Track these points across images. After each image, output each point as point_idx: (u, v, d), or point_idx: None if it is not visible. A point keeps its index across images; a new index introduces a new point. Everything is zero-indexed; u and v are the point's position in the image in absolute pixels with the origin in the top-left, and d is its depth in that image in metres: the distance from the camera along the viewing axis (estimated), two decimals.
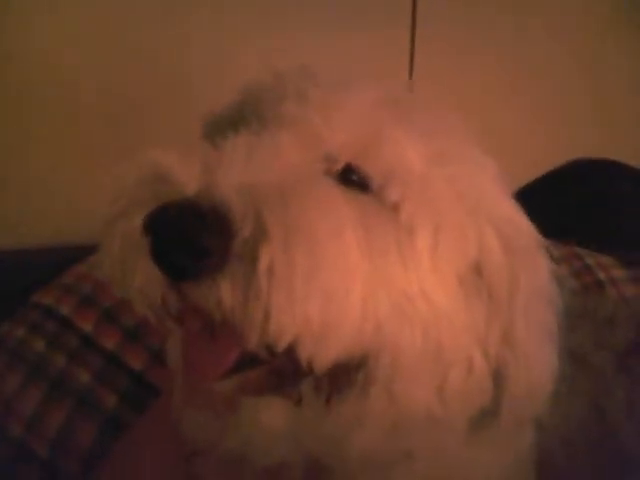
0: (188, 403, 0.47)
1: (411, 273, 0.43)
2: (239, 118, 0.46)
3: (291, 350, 0.39)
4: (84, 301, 0.80)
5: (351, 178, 0.44)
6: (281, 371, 0.43)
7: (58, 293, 0.82)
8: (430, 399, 0.46)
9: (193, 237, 0.36)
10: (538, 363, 0.49)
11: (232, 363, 0.41)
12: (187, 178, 0.38)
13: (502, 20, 1.26)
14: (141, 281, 0.40)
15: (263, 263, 0.36)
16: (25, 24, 0.97)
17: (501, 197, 0.49)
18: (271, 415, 0.48)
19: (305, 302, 0.37)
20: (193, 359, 0.42)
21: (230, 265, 0.37)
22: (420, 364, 0.44)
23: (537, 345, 0.48)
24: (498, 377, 0.48)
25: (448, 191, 0.45)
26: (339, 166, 0.44)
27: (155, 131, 1.00)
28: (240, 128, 0.44)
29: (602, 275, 0.87)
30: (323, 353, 0.40)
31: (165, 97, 1.04)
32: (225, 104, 0.50)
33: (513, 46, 1.27)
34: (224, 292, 0.37)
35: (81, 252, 0.89)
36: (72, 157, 1.03)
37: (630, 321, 0.75)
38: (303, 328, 0.38)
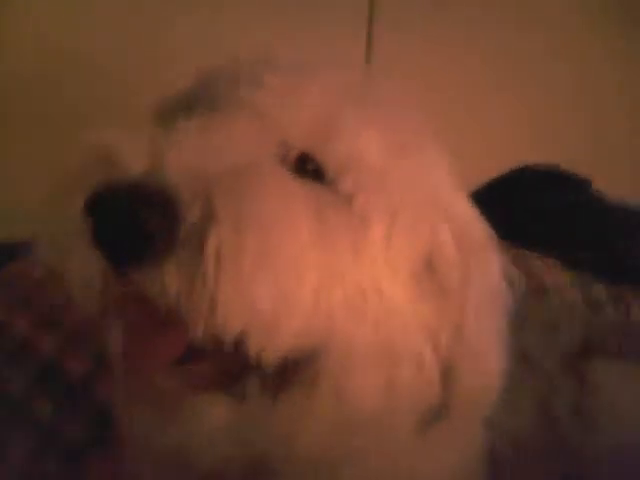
0: (128, 397, 0.44)
1: (364, 266, 0.42)
2: (192, 103, 0.45)
3: (239, 343, 0.37)
4: (19, 303, 0.76)
5: (306, 167, 0.43)
6: (227, 366, 0.42)
7: None
8: (379, 395, 0.45)
9: (137, 220, 0.34)
10: (487, 361, 0.48)
11: (177, 355, 0.39)
12: (133, 159, 0.36)
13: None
14: (81, 267, 0.37)
15: (210, 247, 0.35)
16: None
17: (456, 193, 0.48)
18: (213, 412, 0.46)
19: (254, 290, 0.36)
20: (134, 350, 0.40)
21: (176, 250, 0.35)
22: (370, 359, 0.43)
23: (487, 343, 0.48)
24: (448, 374, 0.47)
25: (403, 184, 0.45)
26: (294, 154, 0.43)
27: None
28: (192, 112, 0.42)
29: (547, 278, 0.88)
30: (272, 346, 0.38)
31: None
32: (176, 90, 0.48)
33: (484, 31, 1.20)
34: (169, 278, 0.35)
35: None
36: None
37: (574, 325, 0.77)
38: (251, 318, 0.36)
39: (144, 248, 0.35)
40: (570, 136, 1.26)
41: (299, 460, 0.47)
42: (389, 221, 0.43)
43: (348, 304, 0.41)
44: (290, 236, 0.37)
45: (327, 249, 0.40)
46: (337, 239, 0.41)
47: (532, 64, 1.23)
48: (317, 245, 0.39)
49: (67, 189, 0.38)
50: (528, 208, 1.08)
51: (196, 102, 0.45)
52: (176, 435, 0.47)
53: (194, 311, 0.36)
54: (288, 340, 0.39)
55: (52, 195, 0.39)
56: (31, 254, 0.79)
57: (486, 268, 0.48)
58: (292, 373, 0.43)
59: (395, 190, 0.44)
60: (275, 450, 0.47)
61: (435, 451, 0.52)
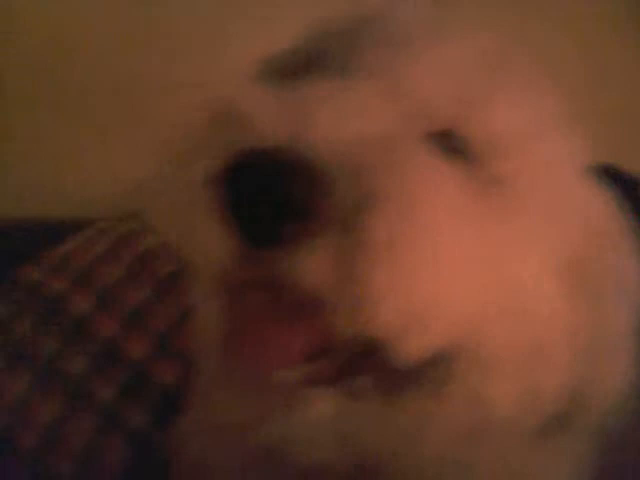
0: (234, 391, 0.40)
1: (515, 260, 0.37)
2: (309, 64, 0.39)
3: (378, 339, 0.33)
4: (78, 279, 0.72)
5: (446, 144, 0.38)
6: (349, 361, 0.37)
7: (47, 270, 0.73)
8: (516, 402, 0.40)
9: (283, 194, 0.29)
10: (619, 366, 0.44)
11: (308, 352, 0.35)
12: (270, 122, 0.31)
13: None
14: (205, 242, 0.33)
15: (369, 233, 0.30)
16: None
17: (591, 180, 0.43)
18: (321, 407, 0.42)
19: (413, 282, 0.31)
20: (254, 342, 0.35)
21: (325, 231, 0.30)
22: (513, 361, 0.38)
23: (624, 344, 0.43)
24: (583, 378, 0.43)
25: (549, 166, 0.39)
26: (434, 129, 0.38)
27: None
28: (312, 76, 0.37)
29: None
30: (419, 344, 0.33)
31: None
32: (284, 49, 0.43)
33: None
34: (314, 263, 0.31)
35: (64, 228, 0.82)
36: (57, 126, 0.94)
37: None
38: (406, 313, 0.32)
39: (292, 227, 0.30)
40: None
41: (409, 468, 0.43)
42: (541, 210, 0.38)
43: (498, 300, 0.36)
44: (451, 225, 0.32)
45: (481, 240, 0.35)
46: (492, 229, 0.36)
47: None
48: (474, 236, 0.34)
49: (189, 153, 0.33)
50: None
51: (314, 64, 0.39)
52: (278, 427, 0.43)
53: (342, 302, 0.31)
54: (437, 338, 0.34)
55: (169, 159, 0.34)
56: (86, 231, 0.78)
57: (625, 264, 0.43)
58: (414, 371, 0.38)
59: (542, 174, 0.39)
60: (384, 456, 0.43)
61: (550, 461, 0.48)
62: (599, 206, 0.43)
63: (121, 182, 0.91)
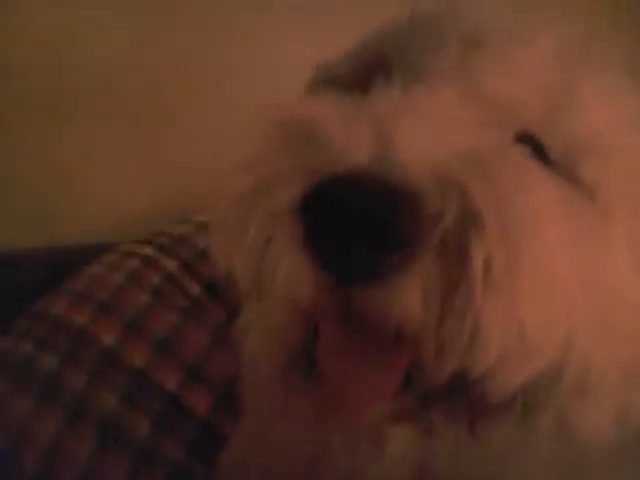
0: (315, 434, 0.37)
1: (610, 269, 0.34)
2: (374, 71, 0.36)
3: (477, 374, 0.29)
4: (103, 310, 0.68)
5: (531, 150, 0.34)
6: (436, 395, 0.34)
7: (70, 301, 0.69)
8: (611, 428, 0.37)
9: (379, 221, 0.26)
10: None
11: (396, 389, 0.32)
12: (350, 141, 0.28)
13: None
14: (287, 280, 0.29)
15: (477, 260, 0.26)
16: None
17: None
18: (394, 445, 0.39)
19: (526, 313, 0.28)
20: (341, 381, 0.32)
21: (423, 262, 0.27)
22: (608, 382, 0.35)
23: None
24: None
25: (635, 167, 0.36)
26: (511, 133, 0.35)
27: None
28: (379, 84, 0.34)
29: None
30: (522, 376, 0.30)
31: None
32: (343, 55, 0.40)
33: None
34: (416, 297, 0.27)
35: (79, 253, 0.78)
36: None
37: None
38: (516, 347, 0.28)
39: (385, 259, 0.27)
40: None
41: None
42: (633, 214, 0.35)
43: (595, 315, 0.33)
44: (559, 244, 0.29)
45: (578, 253, 0.32)
46: (586, 240, 0.33)
47: None
48: (574, 252, 0.31)
49: (263, 178, 0.30)
50: None
51: (380, 69, 0.36)
52: (351, 463, 0.40)
53: (447, 341, 0.28)
54: (540, 366, 0.31)
55: (235, 183, 0.31)
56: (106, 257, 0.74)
57: None
58: (508, 402, 0.35)
59: (628, 175, 0.36)
60: None
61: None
62: None
63: (140, 202, 0.89)
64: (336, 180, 0.27)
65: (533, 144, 0.35)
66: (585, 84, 0.35)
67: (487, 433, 0.37)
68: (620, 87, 0.38)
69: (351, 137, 0.28)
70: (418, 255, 0.27)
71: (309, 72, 0.40)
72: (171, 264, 0.74)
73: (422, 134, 0.29)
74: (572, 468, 0.38)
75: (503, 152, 0.30)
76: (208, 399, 0.66)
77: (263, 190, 0.29)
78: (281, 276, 0.29)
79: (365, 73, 0.36)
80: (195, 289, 0.73)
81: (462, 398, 0.33)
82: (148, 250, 0.75)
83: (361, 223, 0.26)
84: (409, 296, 0.27)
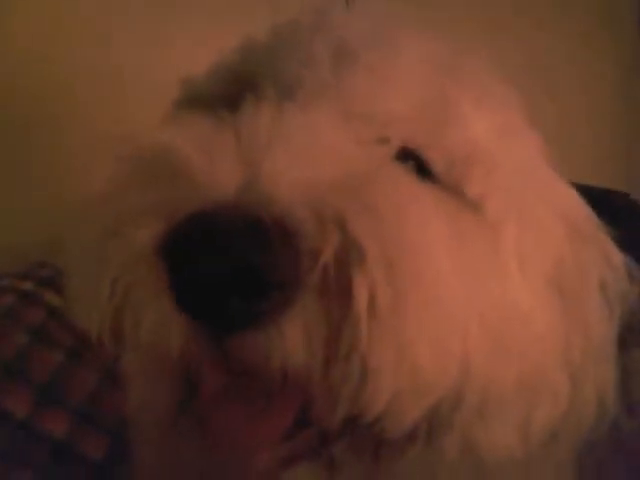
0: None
1: (501, 285, 0.33)
2: (241, 87, 0.33)
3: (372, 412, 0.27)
4: None
5: (410, 166, 0.33)
6: (331, 433, 0.32)
7: None
8: (514, 443, 0.36)
9: (252, 262, 0.23)
10: (601, 378, 0.41)
11: (285, 430, 0.29)
12: (215, 169, 0.25)
13: None
14: (153, 332, 0.26)
15: (361, 296, 0.24)
16: None
17: (558, 180, 0.40)
18: None
19: (417, 349, 0.26)
20: (228, 428, 0.29)
21: (304, 301, 0.25)
22: (508, 399, 0.34)
23: (605, 351, 0.41)
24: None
25: (517, 175, 0.36)
26: (391, 150, 0.33)
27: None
28: (244, 101, 0.31)
29: None
30: (419, 409, 0.29)
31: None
32: (207, 71, 0.37)
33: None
34: (297, 343, 0.25)
35: None
36: None
37: None
38: (408, 384, 0.27)
39: (261, 303, 0.24)
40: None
41: None
42: (519, 225, 0.34)
43: (490, 335, 0.32)
44: (445, 268, 0.28)
45: (467, 273, 0.30)
46: (477, 260, 0.31)
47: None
48: (464, 274, 0.30)
49: (122, 216, 0.26)
50: None
51: (247, 86, 0.33)
52: None
53: (334, 386, 0.25)
54: (437, 396, 0.29)
55: (91, 223, 0.27)
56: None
57: (605, 263, 0.40)
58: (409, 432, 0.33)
59: (512, 184, 0.35)
60: None
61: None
62: (575, 202, 0.40)
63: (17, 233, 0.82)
64: (199, 218, 0.24)
65: (416, 160, 0.33)
66: (463, 94, 0.34)
67: (392, 461, 0.35)
68: (500, 95, 0.37)
69: (215, 167, 0.25)
70: (297, 296, 0.24)
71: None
72: (54, 299, 0.68)
73: (293, 160, 0.26)
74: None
75: (382, 173, 0.28)
76: (103, 444, 0.60)
77: (117, 231, 0.26)
78: (146, 327, 0.26)
79: (232, 89, 0.34)
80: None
81: (361, 433, 0.31)
82: (27, 285, 0.69)
83: (231, 266, 0.23)
84: (290, 341, 0.25)
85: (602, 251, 0.40)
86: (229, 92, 0.34)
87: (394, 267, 0.25)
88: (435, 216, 0.28)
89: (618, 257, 0.40)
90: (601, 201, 0.42)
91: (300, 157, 0.27)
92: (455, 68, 0.35)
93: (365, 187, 0.26)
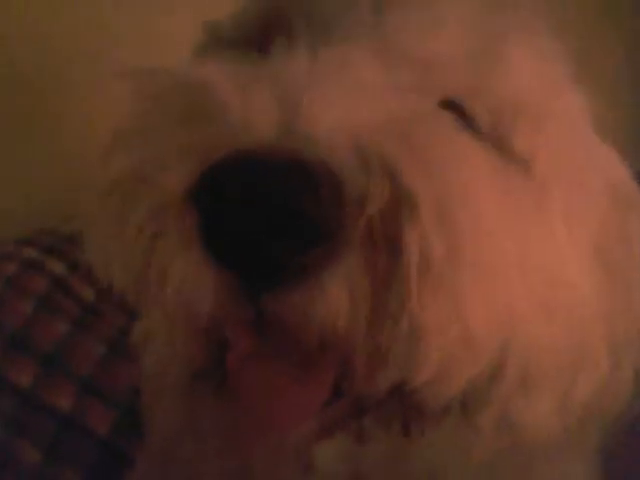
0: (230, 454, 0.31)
1: (548, 247, 0.31)
2: (272, 28, 0.30)
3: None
4: None
5: (456, 116, 0.30)
6: (368, 403, 0.30)
7: None
8: (552, 415, 0.34)
9: (293, 209, 0.21)
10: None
11: (322, 402, 0.27)
12: (252, 110, 0.23)
13: None
14: (181, 285, 0.24)
15: (412, 249, 0.22)
16: None
17: (601, 143, 0.38)
18: (325, 456, 0.34)
19: (470, 311, 0.24)
20: (258, 398, 0.27)
21: (349, 255, 0.22)
22: (550, 373, 0.32)
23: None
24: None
25: (567, 135, 0.33)
26: (434, 99, 0.30)
27: None
28: (276, 43, 0.28)
29: None
30: (460, 380, 0.26)
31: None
32: (232, 14, 0.34)
33: None
34: (340, 301, 0.23)
35: None
36: None
37: None
38: (458, 350, 0.24)
39: (301, 256, 0.22)
40: None
41: None
42: (568, 185, 0.32)
43: (535, 299, 0.30)
44: (498, 225, 0.25)
45: (519, 236, 0.28)
46: (524, 220, 0.29)
47: None
48: (510, 230, 0.27)
49: (140, 157, 0.24)
50: None
51: (282, 25, 0.31)
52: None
53: (382, 347, 0.23)
54: (482, 366, 0.27)
55: (109, 165, 0.25)
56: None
57: None
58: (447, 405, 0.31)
59: (560, 142, 0.33)
60: None
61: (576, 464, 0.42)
62: (619, 169, 0.38)
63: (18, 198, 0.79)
64: (237, 159, 0.21)
65: (458, 111, 0.31)
66: (512, 44, 0.32)
67: (424, 435, 0.33)
68: (549, 48, 0.34)
69: (251, 104, 0.22)
70: (342, 249, 0.22)
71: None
72: (58, 266, 0.66)
73: (335, 99, 0.24)
74: (514, 460, 0.35)
75: (429, 120, 0.26)
76: (109, 417, 0.58)
77: (145, 174, 0.23)
78: (174, 280, 0.24)
79: (261, 32, 0.31)
80: (88, 293, 0.65)
81: (397, 404, 0.29)
82: (30, 251, 0.66)
83: (272, 213, 0.21)
84: (333, 299, 0.23)
85: None
86: (258, 34, 0.31)
87: (447, 219, 0.23)
88: (485, 169, 0.26)
89: None
90: None
91: (340, 98, 0.24)
92: (504, 13, 0.33)
93: (413, 132, 0.24)
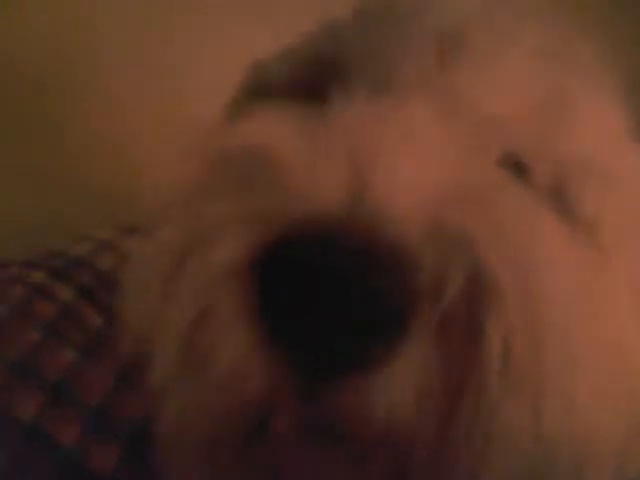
0: None
1: (614, 323, 0.29)
2: (324, 74, 0.29)
3: None
4: None
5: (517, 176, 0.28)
6: None
7: None
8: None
9: (368, 295, 0.19)
10: None
11: None
12: (320, 176, 0.21)
13: None
14: (231, 367, 0.22)
15: (494, 345, 0.20)
16: None
17: None
18: None
19: (552, 415, 0.22)
20: None
21: (421, 345, 0.20)
22: (610, 447, 0.30)
23: None
24: None
25: (634, 191, 0.31)
26: (494, 155, 0.28)
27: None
28: (332, 93, 0.26)
29: None
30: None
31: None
32: (279, 55, 0.32)
33: None
34: (408, 396, 0.20)
35: None
36: None
37: None
38: (534, 453, 0.22)
39: (367, 347, 0.19)
40: None
41: None
42: (632, 250, 0.30)
43: (604, 385, 0.27)
44: (577, 314, 0.23)
45: (590, 314, 0.26)
46: (591, 291, 0.27)
47: None
48: (586, 312, 0.25)
49: (194, 225, 0.22)
50: None
51: (340, 71, 0.29)
52: None
53: (452, 447, 0.21)
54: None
55: (161, 231, 0.23)
56: None
57: None
58: None
59: (628, 203, 0.31)
60: None
61: None
62: None
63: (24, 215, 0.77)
64: (303, 232, 0.19)
65: (515, 166, 0.29)
66: (578, 94, 0.30)
67: None
68: (612, 93, 0.32)
69: (316, 168, 0.20)
70: (413, 339, 0.20)
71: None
72: (67, 292, 0.63)
73: (405, 163, 0.22)
74: None
75: (500, 187, 0.24)
76: (114, 453, 0.56)
77: (198, 244, 0.21)
78: (223, 361, 0.21)
79: (313, 76, 0.29)
80: (96, 321, 0.63)
81: None
82: (39, 275, 0.64)
83: (338, 295, 0.19)
84: (400, 392, 0.20)
85: None
86: (310, 80, 0.29)
87: (531, 309, 0.20)
88: (564, 244, 0.24)
89: None
90: None
91: (410, 163, 0.22)
92: (570, 61, 0.31)
93: (488, 203, 0.22)
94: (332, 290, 0.19)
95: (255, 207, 0.21)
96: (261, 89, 0.31)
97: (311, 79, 0.29)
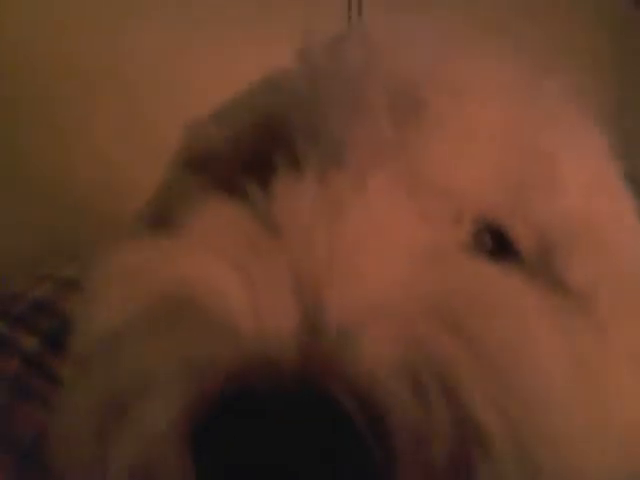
0: None
1: (614, 400, 0.26)
2: (268, 142, 0.25)
3: None
4: None
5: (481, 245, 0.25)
6: None
7: None
8: None
9: (336, 461, 0.16)
10: None
11: None
12: (265, 307, 0.17)
13: None
14: None
15: None
16: None
17: None
18: None
19: None
20: None
21: None
22: None
23: None
24: None
25: (625, 251, 0.28)
26: (466, 229, 0.25)
27: None
28: (276, 172, 0.23)
29: None
30: None
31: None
32: (218, 115, 0.28)
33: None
34: None
35: None
36: None
37: None
38: None
39: None
40: None
41: None
42: (629, 317, 0.27)
43: (601, 453, 0.25)
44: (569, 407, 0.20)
45: (584, 394, 0.23)
46: (586, 370, 0.24)
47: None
48: (580, 396, 0.22)
49: (119, 380, 0.19)
50: None
51: (281, 139, 0.25)
52: None
53: None
54: None
55: (82, 387, 0.19)
56: None
57: None
58: None
59: (621, 266, 0.28)
60: None
61: None
62: None
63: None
64: (242, 389, 0.16)
65: (494, 235, 0.26)
66: (555, 145, 0.26)
67: None
68: (590, 135, 0.29)
69: (261, 305, 0.17)
70: None
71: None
72: (30, 341, 0.59)
73: (364, 271, 0.19)
74: None
75: (479, 281, 0.21)
76: None
77: (124, 407, 0.18)
78: None
79: (255, 145, 0.26)
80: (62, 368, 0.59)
81: None
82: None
83: (302, 464, 0.16)
84: None
85: None
86: (251, 149, 0.25)
87: (523, 449, 0.17)
88: (554, 342, 0.21)
89: None
90: None
91: (370, 269, 0.19)
92: (541, 107, 0.27)
93: (466, 318, 0.19)
94: (285, 457, 0.16)
95: (185, 355, 0.17)
96: (199, 159, 0.28)
97: (255, 146, 0.26)
